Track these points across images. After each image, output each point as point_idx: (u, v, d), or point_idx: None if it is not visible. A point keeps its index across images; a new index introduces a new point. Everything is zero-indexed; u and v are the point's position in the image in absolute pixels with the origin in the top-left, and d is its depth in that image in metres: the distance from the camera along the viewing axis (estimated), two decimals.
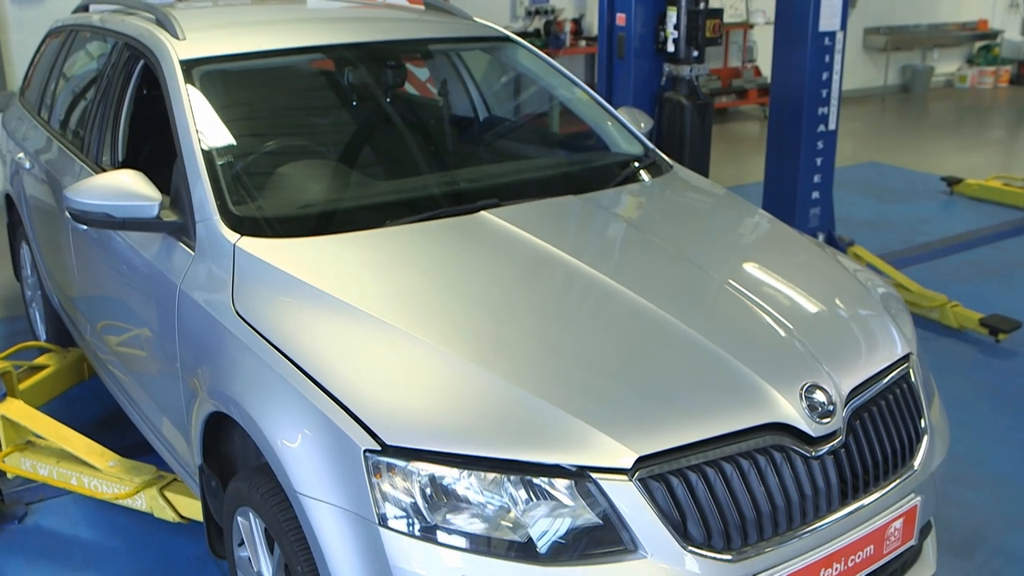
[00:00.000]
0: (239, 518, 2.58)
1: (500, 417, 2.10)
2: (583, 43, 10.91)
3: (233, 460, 2.75)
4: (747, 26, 12.11)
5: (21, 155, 4.50)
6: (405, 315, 2.38)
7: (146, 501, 3.19)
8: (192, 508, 3.11)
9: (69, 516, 3.58)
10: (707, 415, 2.15)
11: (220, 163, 2.91)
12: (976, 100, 13.51)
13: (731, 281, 2.65)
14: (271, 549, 2.48)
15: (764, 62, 11.97)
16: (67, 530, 3.50)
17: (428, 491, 2.04)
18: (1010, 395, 4.35)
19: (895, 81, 14.01)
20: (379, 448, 2.05)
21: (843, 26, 5.55)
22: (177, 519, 3.16)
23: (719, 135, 10.41)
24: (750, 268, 2.81)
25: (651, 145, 3.63)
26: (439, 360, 2.24)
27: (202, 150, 2.89)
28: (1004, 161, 9.84)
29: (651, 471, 2.04)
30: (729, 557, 2.05)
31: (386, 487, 2.04)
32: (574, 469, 2.02)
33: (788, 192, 5.85)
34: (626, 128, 3.67)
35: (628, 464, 2.02)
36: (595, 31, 10.03)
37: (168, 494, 3.18)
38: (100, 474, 3.27)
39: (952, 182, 8.10)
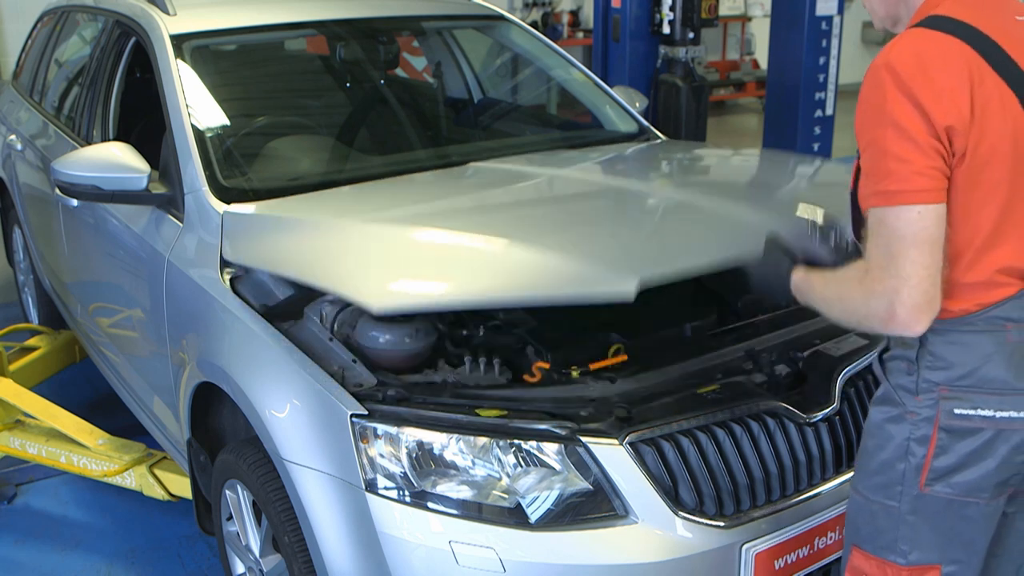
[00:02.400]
0: (227, 492, 2.55)
1: (488, 266, 2.19)
2: (580, 35, 10.90)
3: (222, 435, 2.73)
4: (745, 19, 12.09)
5: (13, 138, 4.48)
6: (391, 217, 2.59)
7: (135, 479, 3.16)
8: (181, 486, 3.08)
9: (59, 496, 3.55)
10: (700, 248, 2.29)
11: (209, 135, 2.89)
12: None
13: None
14: (259, 521, 2.46)
15: (762, 55, 11.92)
16: (56, 510, 3.48)
17: (416, 456, 2.01)
18: None
19: None
20: (366, 413, 2.02)
21: (840, 10, 5.53)
22: (167, 497, 3.13)
23: (717, 128, 10.40)
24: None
25: (645, 123, 3.61)
26: (423, 238, 2.39)
27: (191, 123, 2.86)
28: None
29: (642, 435, 2.02)
30: (721, 523, 2.03)
31: (373, 452, 2.01)
32: (564, 433, 2.00)
33: None
34: (621, 106, 3.64)
35: (632, 290, 2.04)
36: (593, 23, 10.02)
37: (157, 472, 3.14)
38: (89, 452, 3.24)
39: None
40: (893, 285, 1.57)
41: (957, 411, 1.67)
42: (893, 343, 1.77)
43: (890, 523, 1.77)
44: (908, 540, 1.76)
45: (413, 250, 2.34)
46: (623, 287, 2.05)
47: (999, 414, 1.66)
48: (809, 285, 1.82)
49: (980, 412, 1.66)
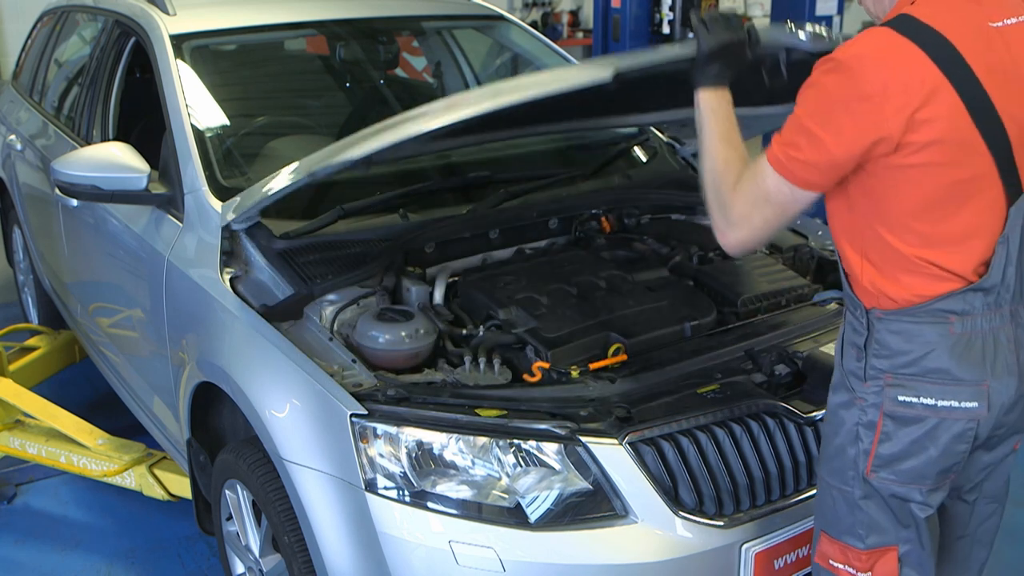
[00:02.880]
0: (227, 491, 2.55)
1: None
2: (580, 35, 10.89)
3: (222, 434, 2.73)
4: (745, 18, 12.06)
5: (12, 138, 4.48)
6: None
7: (135, 479, 3.16)
8: (181, 486, 3.08)
9: (59, 497, 3.55)
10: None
11: (209, 135, 2.89)
12: None
13: None
14: (259, 521, 2.45)
15: None
16: (56, 510, 3.48)
17: (416, 456, 2.01)
18: None
19: None
20: (366, 413, 2.03)
21: (840, 10, 5.53)
22: (166, 497, 3.13)
23: None
24: None
25: None
26: None
27: (191, 123, 2.86)
28: None
29: (641, 435, 2.02)
30: (721, 523, 2.03)
31: (372, 452, 2.01)
32: (564, 433, 2.00)
33: None
34: None
35: None
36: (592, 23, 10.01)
37: (157, 472, 3.14)
38: (89, 452, 3.24)
39: None
40: (740, 216, 1.74)
41: (901, 398, 1.71)
42: (847, 330, 1.81)
43: (847, 508, 1.82)
44: (864, 524, 1.81)
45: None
46: (601, 73, 2.02)
47: (940, 403, 1.69)
48: (711, 109, 1.86)
49: (923, 400, 1.70)
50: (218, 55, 3.33)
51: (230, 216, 2.53)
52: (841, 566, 1.86)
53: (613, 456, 1.99)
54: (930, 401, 1.69)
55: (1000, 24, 1.69)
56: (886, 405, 1.72)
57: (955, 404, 1.69)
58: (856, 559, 1.83)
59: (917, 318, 1.69)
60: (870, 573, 1.83)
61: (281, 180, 2.36)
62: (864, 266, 1.73)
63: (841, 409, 1.80)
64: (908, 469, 1.74)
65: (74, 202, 3.26)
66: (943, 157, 1.62)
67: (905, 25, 1.64)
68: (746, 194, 1.74)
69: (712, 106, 1.86)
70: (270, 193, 2.38)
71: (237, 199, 2.58)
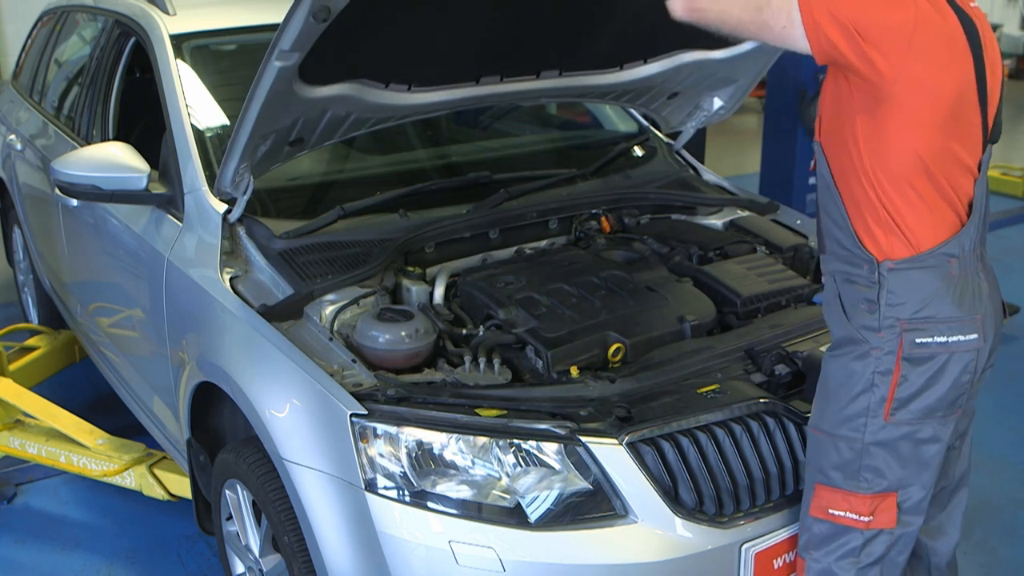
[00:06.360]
0: (227, 491, 2.55)
1: None
2: None
3: (221, 434, 2.73)
4: None
5: (12, 138, 4.48)
6: None
7: (135, 479, 3.16)
8: (181, 486, 3.08)
9: (59, 496, 3.55)
10: None
11: (209, 135, 2.89)
12: None
13: None
14: (259, 521, 2.45)
15: None
16: (56, 510, 3.48)
17: (415, 456, 2.01)
18: (1009, 377, 4.32)
19: None
20: (365, 413, 2.02)
21: None
22: (166, 497, 3.13)
23: (717, 128, 10.37)
24: None
25: (645, 123, 3.60)
26: None
27: (191, 123, 2.86)
28: (1002, 152, 9.80)
29: (641, 435, 2.02)
30: (721, 523, 2.03)
31: (372, 452, 2.01)
32: (564, 433, 2.00)
33: (785, 177, 5.82)
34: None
35: None
36: None
37: (157, 472, 3.14)
38: (89, 452, 3.24)
39: None
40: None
41: (918, 340, 1.88)
42: (847, 292, 1.94)
43: (854, 455, 1.94)
44: (871, 469, 1.94)
45: None
46: None
47: (951, 339, 1.88)
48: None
49: (936, 339, 1.87)
50: (218, 55, 3.32)
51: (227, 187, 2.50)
52: (842, 513, 1.97)
53: (613, 456, 2.00)
54: (943, 339, 1.87)
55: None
56: (905, 349, 1.87)
57: (961, 338, 1.88)
58: (860, 504, 1.95)
59: (924, 264, 1.86)
60: (871, 517, 1.95)
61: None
62: (878, 219, 1.87)
63: (853, 362, 1.92)
64: (923, 407, 1.90)
65: (74, 202, 3.26)
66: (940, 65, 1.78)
67: None
68: None
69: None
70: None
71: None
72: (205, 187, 2.70)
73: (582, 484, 2.00)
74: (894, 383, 1.88)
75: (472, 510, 1.99)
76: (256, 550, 2.48)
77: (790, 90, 5.64)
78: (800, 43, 1.81)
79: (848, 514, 1.95)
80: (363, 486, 2.00)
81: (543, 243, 2.86)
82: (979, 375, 1.96)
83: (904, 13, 1.75)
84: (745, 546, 2.05)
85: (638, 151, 3.38)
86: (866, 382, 1.90)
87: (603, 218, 2.93)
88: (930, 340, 1.87)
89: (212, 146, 2.85)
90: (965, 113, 1.86)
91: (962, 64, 1.83)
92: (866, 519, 1.95)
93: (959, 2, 1.85)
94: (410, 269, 2.57)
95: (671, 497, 2.01)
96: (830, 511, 1.97)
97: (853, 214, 1.90)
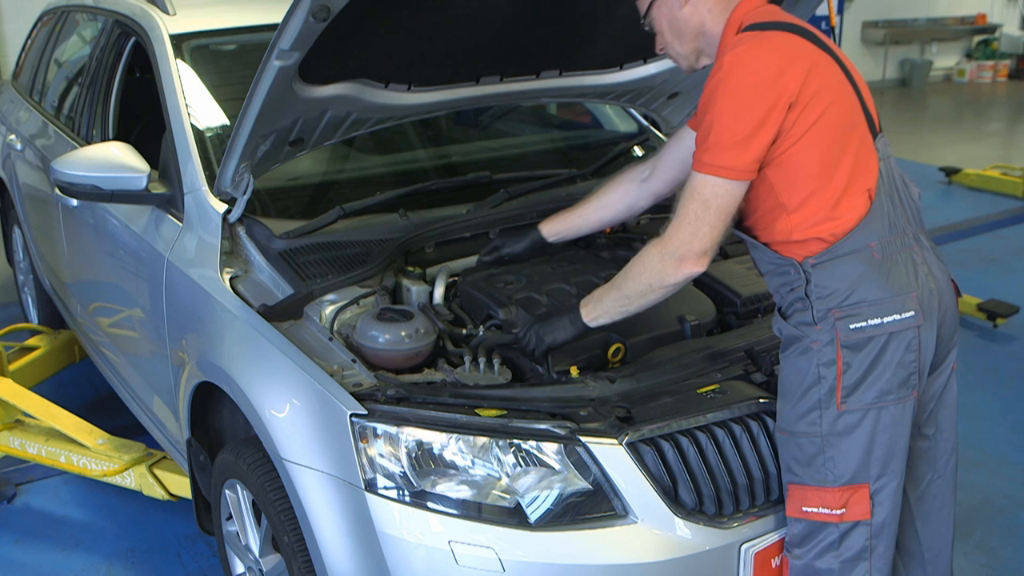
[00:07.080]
0: (227, 491, 2.55)
1: None
2: None
3: (221, 434, 2.73)
4: None
5: (12, 138, 4.48)
6: None
7: (135, 479, 3.16)
8: (181, 486, 3.08)
9: (59, 496, 3.55)
10: None
11: (209, 135, 2.89)
12: (974, 94, 13.48)
13: None
14: (258, 521, 2.46)
15: None
16: (56, 510, 3.48)
17: (415, 456, 2.01)
18: (1008, 378, 4.32)
19: (893, 75, 13.97)
20: (365, 413, 2.03)
21: (840, 10, 5.53)
22: (166, 497, 3.13)
23: None
24: None
25: (645, 123, 3.60)
26: None
27: (191, 123, 2.86)
28: (1002, 153, 9.81)
29: (641, 435, 2.02)
30: (720, 523, 2.03)
31: (372, 452, 2.01)
32: (564, 433, 2.00)
33: None
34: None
35: None
36: None
37: (157, 471, 3.15)
38: (89, 452, 3.25)
39: (950, 172, 8.07)
40: (688, 238, 1.97)
41: (852, 326, 1.93)
42: (782, 294, 2.04)
43: (815, 449, 1.98)
44: (833, 461, 1.97)
45: None
46: None
47: (886, 319, 1.93)
48: (599, 297, 2.15)
49: (871, 322, 1.92)
50: (218, 55, 3.32)
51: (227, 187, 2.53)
52: (815, 509, 1.99)
53: (613, 456, 1.99)
54: (876, 320, 1.93)
55: None
56: (842, 336, 1.93)
57: (897, 317, 1.93)
58: (831, 498, 1.97)
59: (842, 253, 1.94)
60: (844, 510, 1.97)
61: None
62: (793, 224, 1.97)
63: (798, 358, 1.98)
64: (875, 391, 1.93)
65: (74, 202, 3.26)
66: (833, 110, 1.93)
67: (766, 26, 1.98)
68: (683, 219, 1.96)
69: (597, 306, 2.16)
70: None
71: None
72: (205, 187, 2.70)
73: (582, 484, 2.00)
74: (839, 371, 1.93)
75: (472, 510, 1.99)
76: (256, 550, 2.48)
77: None
78: (736, 188, 1.94)
79: (820, 509, 1.98)
80: (363, 486, 2.00)
81: None
82: (931, 353, 1.99)
83: (780, 89, 1.90)
84: (745, 546, 2.04)
85: (638, 151, 3.37)
86: (813, 376, 1.95)
87: None
88: (864, 324, 1.92)
89: (212, 146, 2.85)
90: (852, 115, 2.00)
91: (837, 81, 1.98)
92: (839, 512, 1.97)
93: (810, 28, 2.02)
94: (410, 269, 2.58)
95: (671, 497, 2.01)
96: (803, 508, 2.00)
97: (766, 238, 2.03)
